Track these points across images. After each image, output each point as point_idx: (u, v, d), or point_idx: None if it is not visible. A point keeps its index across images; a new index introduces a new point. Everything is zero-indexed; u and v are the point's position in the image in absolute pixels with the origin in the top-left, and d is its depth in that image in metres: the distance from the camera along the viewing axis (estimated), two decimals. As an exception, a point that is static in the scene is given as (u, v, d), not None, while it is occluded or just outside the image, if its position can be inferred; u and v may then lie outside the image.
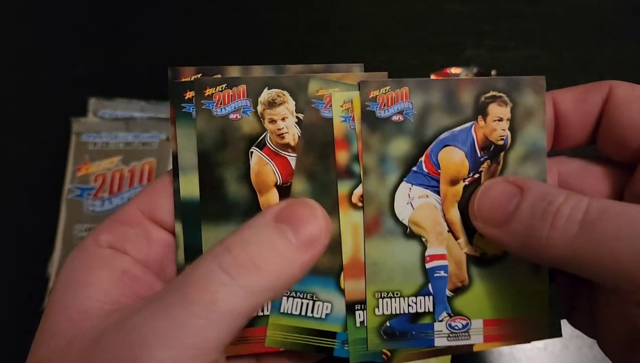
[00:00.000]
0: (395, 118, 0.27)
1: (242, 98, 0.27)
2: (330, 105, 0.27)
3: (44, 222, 0.50)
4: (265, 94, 0.27)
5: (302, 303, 0.27)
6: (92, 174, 0.49)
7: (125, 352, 0.19)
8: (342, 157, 0.27)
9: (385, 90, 0.27)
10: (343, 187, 0.27)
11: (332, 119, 0.27)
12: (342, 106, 0.27)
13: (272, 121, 0.27)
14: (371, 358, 0.27)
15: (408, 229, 0.28)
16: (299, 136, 0.26)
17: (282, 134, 0.27)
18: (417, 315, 0.28)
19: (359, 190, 0.27)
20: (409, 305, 0.28)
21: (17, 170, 0.53)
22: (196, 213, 0.26)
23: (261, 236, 0.22)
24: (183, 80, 0.26)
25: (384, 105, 0.27)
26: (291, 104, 0.27)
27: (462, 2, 0.56)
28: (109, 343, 0.20)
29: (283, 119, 0.27)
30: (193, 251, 0.26)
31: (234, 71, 0.27)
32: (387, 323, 0.27)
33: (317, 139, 0.27)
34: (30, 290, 0.48)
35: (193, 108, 0.26)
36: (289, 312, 0.27)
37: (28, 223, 0.52)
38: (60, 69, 0.56)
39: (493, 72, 0.52)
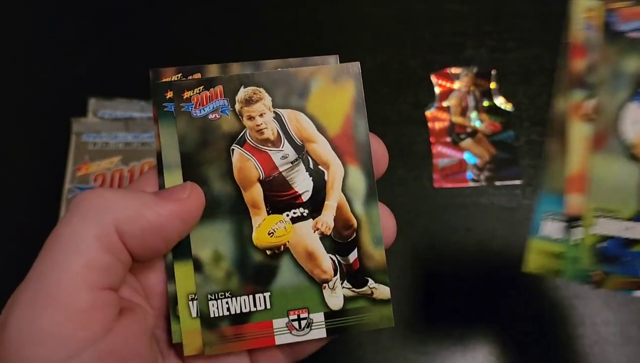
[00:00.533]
0: (634, 34, 0.27)
1: (219, 98, 0.26)
2: (201, 105, 0.26)
3: (44, 222, 0.50)
4: (242, 92, 0.27)
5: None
6: (92, 174, 0.49)
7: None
8: (578, 65, 0.27)
9: (627, 3, 0.27)
10: (575, 97, 0.27)
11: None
12: (585, 14, 0.27)
13: (251, 118, 0.27)
14: (582, 280, 0.27)
15: (631, 152, 0.27)
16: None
17: (261, 129, 0.27)
18: (631, 242, 0.27)
19: (590, 103, 0.27)
20: (626, 228, 0.27)
21: (17, 170, 0.53)
22: None
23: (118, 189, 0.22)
24: (163, 80, 0.27)
25: (624, 19, 0.27)
26: (267, 100, 0.27)
27: (462, 2, 0.56)
28: None
29: (261, 115, 0.27)
30: (180, 249, 0.26)
31: (213, 69, 0.27)
32: (604, 244, 0.27)
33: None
34: (30, 290, 0.48)
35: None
36: (551, 236, 0.27)
37: (28, 223, 0.51)
38: (60, 69, 0.56)
39: (493, 72, 0.52)
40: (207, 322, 0.26)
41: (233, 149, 0.27)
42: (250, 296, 0.26)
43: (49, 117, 0.54)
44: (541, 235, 0.26)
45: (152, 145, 0.50)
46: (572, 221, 0.26)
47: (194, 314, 0.25)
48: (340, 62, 0.27)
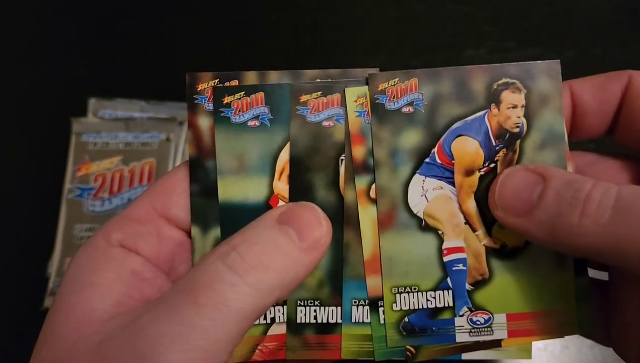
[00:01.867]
0: (405, 110, 0.27)
1: (335, 106, 0.27)
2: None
3: (44, 222, 0.50)
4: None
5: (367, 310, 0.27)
6: (92, 174, 0.49)
7: (132, 357, 0.19)
8: (358, 152, 0.27)
9: (394, 81, 0.27)
10: (360, 182, 0.27)
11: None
12: (356, 101, 0.27)
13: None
14: (396, 356, 0.27)
15: (423, 222, 0.27)
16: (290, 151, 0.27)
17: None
18: (437, 310, 0.27)
19: (374, 185, 0.27)
20: (427, 300, 0.27)
21: (17, 170, 0.53)
22: (237, 217, 0.26)
23: (266, 236, 0.22)
24: (200, 85, 0.27)
25: (394, 97, 0.27)
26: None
27: (463, 3, 0.56)
28: (115, 347, 0.20)
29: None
30: None
31: (251, 77, 0.27)
32: (406, 319, 0.27)
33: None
34: (30, 290, 0.48)
35: (232, 112, 0.26)
36: (361, 320, 0.27)
37: (28, 223, 0.52)
38: (60, 69, 0.56)
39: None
40: (293, 327, 0.27)
41: (342, 160, 0.27)
42: (339, 307, 0.26)
43: (49, 117, 0.54)
44: (351, 321, 0.27)
45: (152, 145, 0.50)
46: (374, 302, 0.27)
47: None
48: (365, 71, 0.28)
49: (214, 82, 0.27)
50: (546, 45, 0.54)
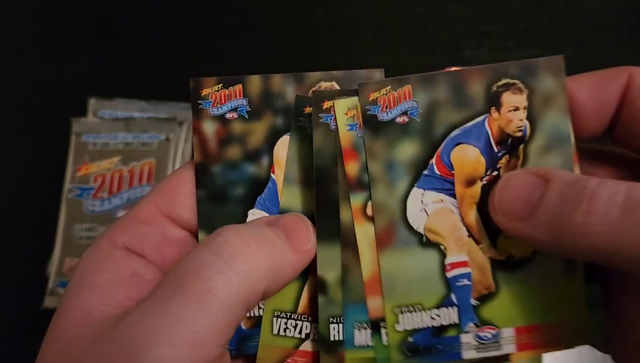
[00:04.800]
0: (399, 120, 0.25)
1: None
2: (388, 108, 0.26)
3: (43, 221, 0.50)
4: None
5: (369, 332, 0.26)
6: (92, 174, 0.49)
7: (121, 354, 0.19)
8: (351, 168, 0.26)
9: (386, 90, 0.25)
10: (356, 200, 0.26)
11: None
12: (346, 114, 0.26)
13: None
14: None
15: (424, 238, 0.26)
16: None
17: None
18: (442, 328, 0.26)
19: (370, 202, 0.26)
20: (431, 318, 0.26)
21: (17, 170, 0.53)
22: None
23: (255, 229, 0.22)
24: (204, 90, 0.26)
25: (386, 107, 0.25)
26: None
27: (463, 3, 0.56)
28: (106, 345, 0.20)
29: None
30: None
31: (255, 81, 0.26)
32: (410, 339, 0.26)
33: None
34: (30, 290, 0.48)
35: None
36: (365, 344, 0.26)
37: (28, 223, 0.52)
38: (60, 69, 0.56)
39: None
40: (327, 345, 0.26)
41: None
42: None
43: (49, 117, 0.54)
44: (354, 345, 0.26)
45: (152, 145, 0.50)
46: (376, 324, 0.26)
47: (275, 331, 0.26)
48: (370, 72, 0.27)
49: (218, 87, 0.26)
50: (546, 45, 0.54)
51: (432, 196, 0.26)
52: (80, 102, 0.52)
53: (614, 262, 0.21)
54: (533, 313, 0.26)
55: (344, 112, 0.26)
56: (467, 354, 0.26)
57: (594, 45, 0.54)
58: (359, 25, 0.56)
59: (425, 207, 0.26)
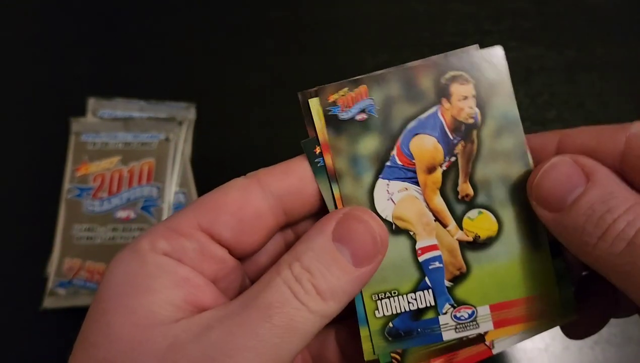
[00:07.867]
0: (358, 117, 0.27)
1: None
2: (347, 107, 0.27)
3: (43, 221, 0.50)
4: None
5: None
6: (91, 174, 0.49)
7: None
8: (329, 160, 0.27)
9: (344, 91, 0.27)
10: (337, 190, 0.27)
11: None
12: (318, 113, 0.28)
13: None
14: (385, 361, 0.27)
15: (394, 226, 0.27)
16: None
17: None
18: (420, 312, 0.27)
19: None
20: (408, 302, 0.27)
21: (17, 170, 0.53)
22: None
23: (323, 262, 0.23)
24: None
25: (345, 107, 0.27)
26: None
27: (464, 2, 0.56)
28: (189, 355, 0.21)
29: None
30: None
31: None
32: (390, 324, 0.27)
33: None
34: (29, 290, 0.48)
35: None
36: None
37: (27, 223, 0.51)
38: (60, 69, 0.56)
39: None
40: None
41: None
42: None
43: (48, 117, 0.54)
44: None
45: (151, 145, 0.50)
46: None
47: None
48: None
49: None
50: (547, 45, 0.54)
51: (397, 185, 0.28)
52: (80, 102, 0.52)
53: (611, 282, 0.23)
54: (505, 290, 0.27)
55: (316, 111, 0.28)
56: (447, 335, 0.27)
57: (595, 44, 0.54)
58: (359, 25, 0.56)
59: (392, 196, 0.27)
